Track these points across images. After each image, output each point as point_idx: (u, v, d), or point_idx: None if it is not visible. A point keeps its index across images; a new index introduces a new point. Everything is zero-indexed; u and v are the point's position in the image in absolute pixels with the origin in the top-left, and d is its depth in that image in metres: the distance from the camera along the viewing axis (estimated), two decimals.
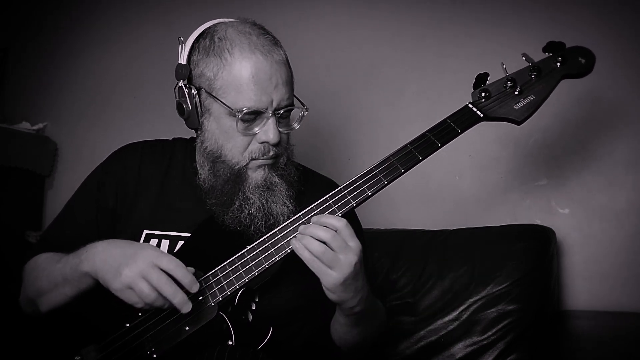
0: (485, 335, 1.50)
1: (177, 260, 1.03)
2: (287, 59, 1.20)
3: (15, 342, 1.14)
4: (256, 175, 1.19)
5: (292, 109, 1.20)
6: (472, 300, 1.54)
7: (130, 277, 1.00)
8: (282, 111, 1.17)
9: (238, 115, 1.13)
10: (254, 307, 1.15)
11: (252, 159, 1.18)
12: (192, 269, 1.07)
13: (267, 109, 1.14)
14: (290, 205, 1.19)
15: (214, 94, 1.16)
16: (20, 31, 2.76)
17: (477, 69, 1.21)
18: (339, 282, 1.04)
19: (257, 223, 1.17)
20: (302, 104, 1.23)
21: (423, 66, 1.92)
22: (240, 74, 1.13)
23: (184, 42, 1.21)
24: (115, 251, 1.05)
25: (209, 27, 1.21)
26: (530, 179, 1.74)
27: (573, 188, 1.68)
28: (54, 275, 1.12)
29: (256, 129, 1.16)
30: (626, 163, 1.62)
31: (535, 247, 1.55)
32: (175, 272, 1.01)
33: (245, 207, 1.17)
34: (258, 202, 1.17)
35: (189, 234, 1.19)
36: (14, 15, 2.78)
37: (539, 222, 1.63)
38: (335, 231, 1.04)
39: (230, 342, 1.06)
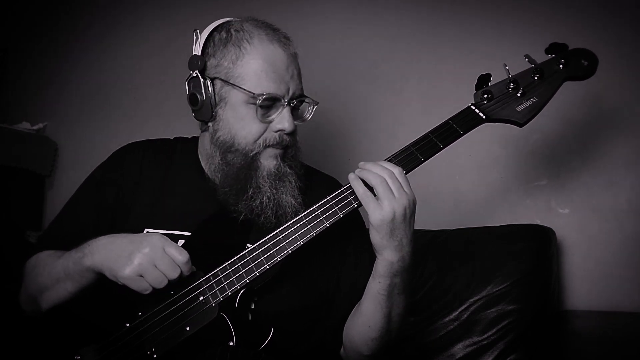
0: (485, 335, 1.50)
1: (185, 252, 1.04)
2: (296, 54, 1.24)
3: (15, 341, 1.14)
4: (268, 164, 1.20)
5: (304, 101, 1.24)
6: (472, 300, 1.54)
7: (143, 264, 1.01)
8: (296, 101, 1.21)
9: (258, 101, 1.16)
10: (255, 308, 1.14)
11: (266, 147, 1.20)
12: (193, 268, 1.07)
13: (283, 97, 1.18)
14: (299, 197, 1.21)
15: (232, 82, 1.18)
16: (20, 31, 2.75)
17: (479, 69, 1.22)
18: (388, 219, 1.04)
19: (268, 212, 1.19)
20: (311, 99, 1.26)
21: (424, 66, 1.92)
22: (261, 62, 1.17)
23: (200, 34, 1.23)
24: (122, 241, 1.06)
25: (223, 22, 1.24)
26: (530, 179, 1.74)
27: (573, 188, 1.68)
28: (55, 270, 1.12)
29: (272, 117, 1.19)
30: (626, 163, 1.62)
31: (535, 247, 1.55)
32: (181, 266, 1.04)
33: (258, 196, 1.19)
34: (269, 191, 1.19)
35: (189, 233, 1.19)
36: (14, 15, 2.78)
37: (539, 222, 1.63)
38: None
39: (231, 343, 1.06)
